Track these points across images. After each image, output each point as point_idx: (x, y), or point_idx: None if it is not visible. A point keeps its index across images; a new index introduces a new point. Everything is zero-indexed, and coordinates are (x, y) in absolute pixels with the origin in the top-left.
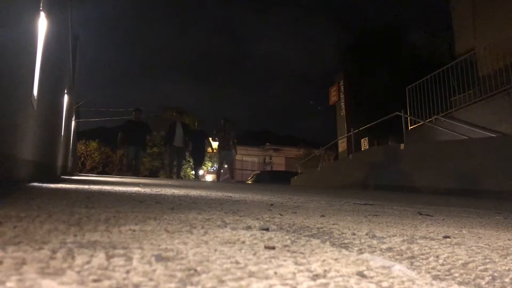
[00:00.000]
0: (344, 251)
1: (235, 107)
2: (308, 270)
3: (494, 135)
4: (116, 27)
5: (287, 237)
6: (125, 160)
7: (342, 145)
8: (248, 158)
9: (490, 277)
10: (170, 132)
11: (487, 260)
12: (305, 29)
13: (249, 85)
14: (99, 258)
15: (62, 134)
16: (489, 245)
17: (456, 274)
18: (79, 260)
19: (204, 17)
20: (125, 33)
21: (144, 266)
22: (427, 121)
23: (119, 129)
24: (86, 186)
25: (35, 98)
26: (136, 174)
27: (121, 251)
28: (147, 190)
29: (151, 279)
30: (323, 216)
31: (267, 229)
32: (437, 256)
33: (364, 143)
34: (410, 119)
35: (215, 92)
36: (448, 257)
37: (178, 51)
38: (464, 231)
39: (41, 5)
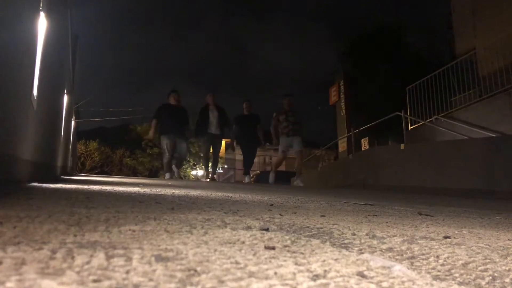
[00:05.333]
0: (344, 251)
1: (236, 109)
2: (308, 270)
3: (494, 135)
4: (116, 30)
5: (287, 237)
6: (165, 158)
7: (342, 145)
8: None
9: (490, 277)
10: (203, 117)
11: (488, 260)
12: (305, 32)
13: (250, 88)
14: (99, 258)
15: (62, 134)
16: (489, 245)
17: (457, 274)
18: (79, 260)
19: (205, 25)
20: (125, 37)
21: (144, 266)
22: (427, 121)
23: (154, 115)
24: (86, 186)
25: (35, 98)
26: (179, 167)
27: (121, 251)
28: (147, 190)
29: (151, 279)
30: (323, 216)
31: (267, 229)
32: (438, 256)
33: (364, 143)
34: (410, 119)
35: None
36: (448, 257)
37: (178, 57)
38: (464, 231)
39: (41, 5)
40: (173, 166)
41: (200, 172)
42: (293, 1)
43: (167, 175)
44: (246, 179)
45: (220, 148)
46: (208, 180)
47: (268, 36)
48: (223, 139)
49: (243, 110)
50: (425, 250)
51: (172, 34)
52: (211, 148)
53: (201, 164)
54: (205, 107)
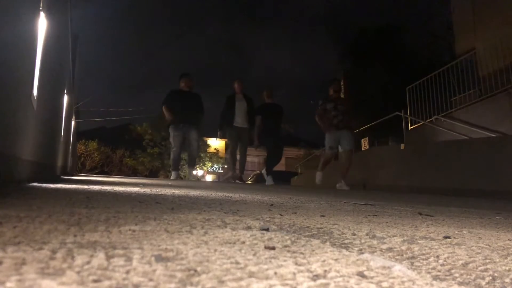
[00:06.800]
0: (344, 251)
1: None
2: (308, 270)
3: (494, 135)
4: (116, 30)
5: (287, 237)
6: (172, 151)
7: None
8: (248, 158)
9: (491, 277)
10: (229, 107)
11: (488, 261)
12: (305, 33)
13: (250, 89)
14: (99, 258)
15: (62, 134)
16: (489, 245)
17: (457, 275)
18: (79, 260)
19: (205, 29)
20: (126, 38)
21: (144, 266)
22: (427, 121)
23: (163, 101)
24: (86, 186)
25: (35, 98)
26: (191, 166)
27: (121, 251)
28: (147, 190)
29: (151, 279)
30: (323, 216)
31: (267, 229)
32: (438, 256)
33: (364, 143)
34: (410, 119)
35: (217, 98)
36: (448, 257)
37: (179, 61)
38: (464, 231)
39: (41, 5)
40: (186, 166)
41: (200, 171)
42: (293, 3)
43: (174, 174)
44: (268, 180)
45: (247, 143)
46: (236, 180)
47: (268, 38)
48: (247, 133)
49: (264, 98)
50: (425, 250)
51: (173, 36)
52: (239, 143)
53: (202, 163)
54: (232, 96)
